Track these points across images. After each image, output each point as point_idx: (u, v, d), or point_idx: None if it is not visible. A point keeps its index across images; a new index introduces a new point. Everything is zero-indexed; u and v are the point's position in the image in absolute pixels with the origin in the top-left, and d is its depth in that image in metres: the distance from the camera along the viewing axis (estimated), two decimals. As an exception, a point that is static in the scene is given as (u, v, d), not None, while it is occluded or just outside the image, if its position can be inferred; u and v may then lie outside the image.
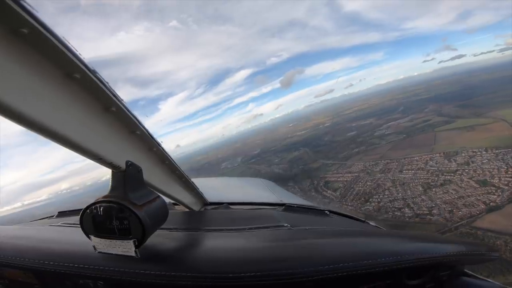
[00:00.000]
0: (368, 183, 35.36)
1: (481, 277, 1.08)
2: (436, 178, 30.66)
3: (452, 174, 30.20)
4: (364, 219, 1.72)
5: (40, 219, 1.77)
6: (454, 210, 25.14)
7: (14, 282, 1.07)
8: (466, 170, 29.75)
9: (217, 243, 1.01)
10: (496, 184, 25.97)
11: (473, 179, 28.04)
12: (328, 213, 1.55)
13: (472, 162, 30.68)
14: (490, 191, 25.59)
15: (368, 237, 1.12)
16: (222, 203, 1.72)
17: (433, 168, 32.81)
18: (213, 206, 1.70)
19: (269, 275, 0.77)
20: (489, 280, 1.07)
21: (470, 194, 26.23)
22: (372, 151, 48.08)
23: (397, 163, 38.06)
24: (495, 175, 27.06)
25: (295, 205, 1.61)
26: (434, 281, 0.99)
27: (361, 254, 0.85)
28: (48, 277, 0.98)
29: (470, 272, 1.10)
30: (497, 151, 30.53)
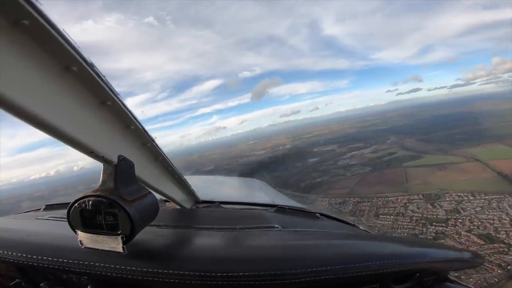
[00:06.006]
0: (339, 229, 27.43)
1: (463, 283, 1.08)
2: (424, 229, 23.89)
3: (443, 225, 23.76)
4: (354, 223, 1.71)
5: (26, 212, 1.71)
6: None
7: None
8: (460, 220, 23.59)
9: (207, 241, 1.01)
10: (506, 241, 19.74)
11: (472, 232, 21.76)
12: (319, 216, 1.56)
13: (463, 209, 24.87)
14: (501, 249, 19.15)
15: (356, 240, 1.12)
16: (213, 202, 1.72)
17: (416, 215, 26.22)
18: (204, 205, 1.70)
19: (258, 275, 0.78)
20: (471, 287, 1.08)
21: (475, 258, 19.59)
22: (337, 184, 41.34)
23: (369, 203, 31.11)
24: (500, 229, 21.09)
25: (287, 207, 1.60)
26: (419, 286, 0.99)
27: (348, 257, 0.86)
28: (30, 271, 0.97)
29: (453, 278, 1.10)
30: (487, 197, 25.38)
